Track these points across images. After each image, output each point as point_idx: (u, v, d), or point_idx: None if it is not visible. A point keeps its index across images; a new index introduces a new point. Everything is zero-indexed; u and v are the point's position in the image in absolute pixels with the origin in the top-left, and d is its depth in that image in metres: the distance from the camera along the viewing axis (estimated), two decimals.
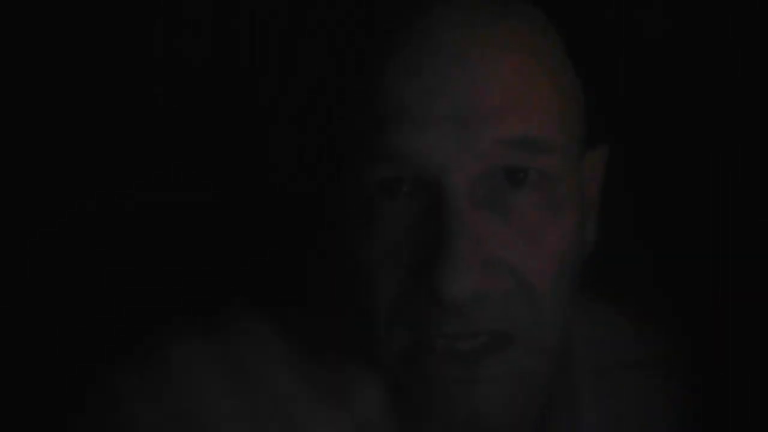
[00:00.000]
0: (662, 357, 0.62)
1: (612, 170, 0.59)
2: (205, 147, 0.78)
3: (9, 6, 0.83)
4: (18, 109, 0.84)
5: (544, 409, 0.56)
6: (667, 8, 0.76)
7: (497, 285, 0.49)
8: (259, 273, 0.63)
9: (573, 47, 0.55)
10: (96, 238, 0.78)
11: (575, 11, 0.72)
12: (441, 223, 0.48)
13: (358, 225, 0.52)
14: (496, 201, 0.50)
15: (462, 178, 0.49)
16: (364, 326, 0.52)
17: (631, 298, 0.65)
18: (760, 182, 0.73)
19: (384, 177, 0.50)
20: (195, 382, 0.56)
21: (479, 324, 0.50)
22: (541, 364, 0.52)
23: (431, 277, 0.47)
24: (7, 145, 0.84)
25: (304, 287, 0.53)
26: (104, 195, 0.80)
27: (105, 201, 0.78)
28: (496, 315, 0.50)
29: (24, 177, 0.84)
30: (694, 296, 0.71)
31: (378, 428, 0.57)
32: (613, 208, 0.60)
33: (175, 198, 0.76)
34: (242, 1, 0.80)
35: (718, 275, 0.73)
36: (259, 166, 0.54)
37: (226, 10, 0.82)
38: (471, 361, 0.50)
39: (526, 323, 0.50)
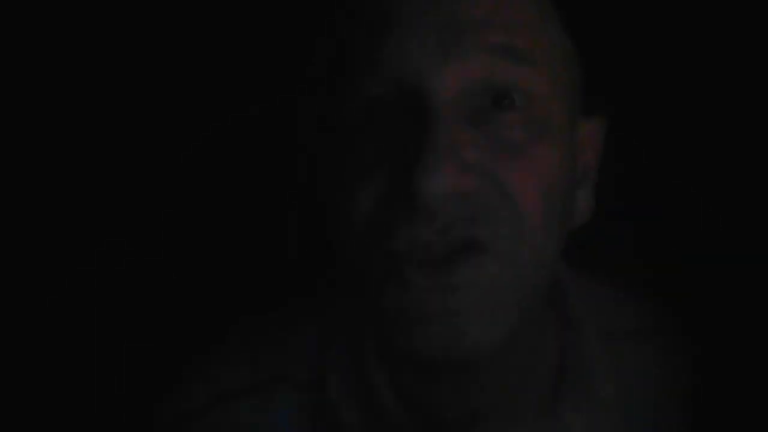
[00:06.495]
0: (661, 329, 0.63)
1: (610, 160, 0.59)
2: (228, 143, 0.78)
3: (9, 6, 0.82)
4: (17, 108, 0.84)
5: (558, 374, 0.58)
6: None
7: (475, 188, 0.49)
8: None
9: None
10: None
11: None
12: (421, 128, 0.48)
13: (340, 148, 0.53)
14: (480, 119, 0.50)
15: (443, 84, 0.49)
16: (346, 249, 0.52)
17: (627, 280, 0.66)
18: (759, 175, 0.74)
19: (368, 95, 0.51)
20: None
21: (452, 231, 0.49)
22: (517, 279, 0.50)
23: (410, 175, 0.47)
24: (7, 145, 0.84)
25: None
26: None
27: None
28: (470, 220, 0.49)
29: (24, 176, 0.84)
30: (690, 278, 0.73)
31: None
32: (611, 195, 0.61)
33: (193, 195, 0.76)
34: None
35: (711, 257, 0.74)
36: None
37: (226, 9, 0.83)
38: (443, 270, 0.49)
39: (504, 234, 0.50)
